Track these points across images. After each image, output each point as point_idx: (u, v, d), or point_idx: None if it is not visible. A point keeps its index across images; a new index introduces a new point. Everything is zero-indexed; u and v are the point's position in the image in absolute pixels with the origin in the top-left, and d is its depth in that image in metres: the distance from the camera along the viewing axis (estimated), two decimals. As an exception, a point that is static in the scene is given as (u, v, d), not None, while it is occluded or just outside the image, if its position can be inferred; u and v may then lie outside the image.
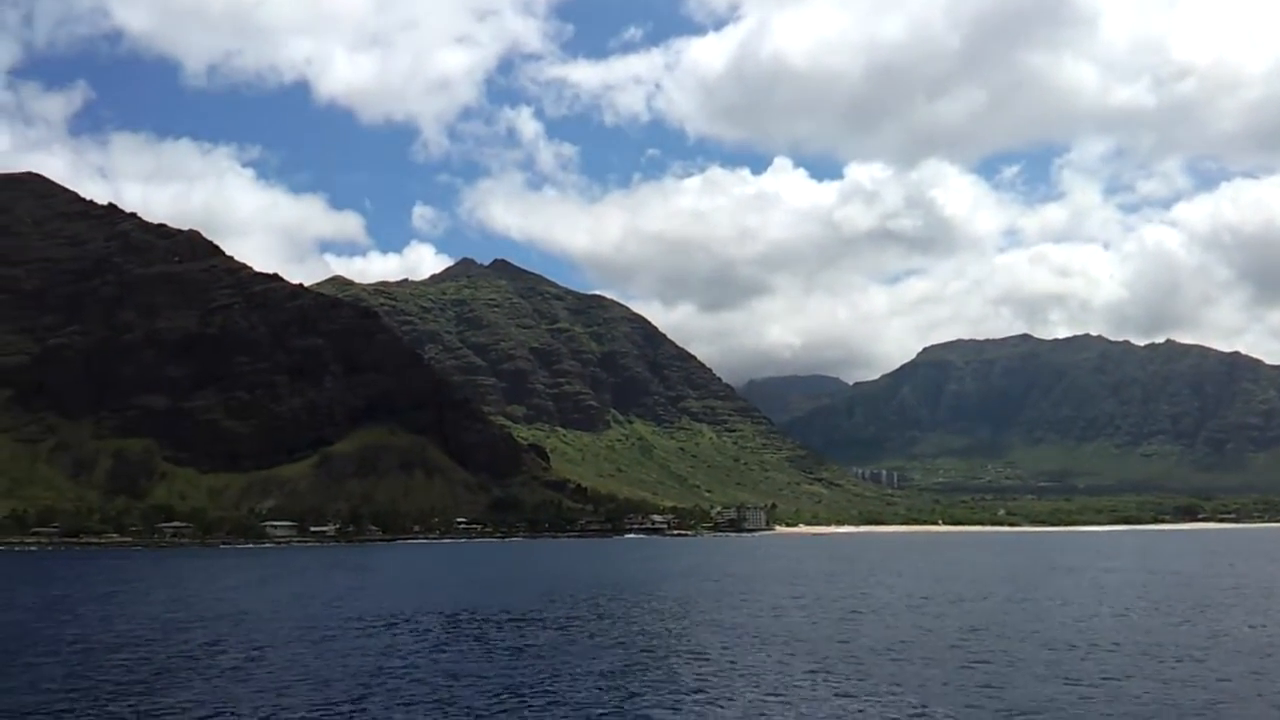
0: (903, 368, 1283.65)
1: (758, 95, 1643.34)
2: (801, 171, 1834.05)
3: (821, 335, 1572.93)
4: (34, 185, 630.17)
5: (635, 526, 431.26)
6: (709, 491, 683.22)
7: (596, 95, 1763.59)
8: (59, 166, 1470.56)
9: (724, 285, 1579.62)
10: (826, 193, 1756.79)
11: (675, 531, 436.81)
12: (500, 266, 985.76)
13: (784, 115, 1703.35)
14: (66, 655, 61.21)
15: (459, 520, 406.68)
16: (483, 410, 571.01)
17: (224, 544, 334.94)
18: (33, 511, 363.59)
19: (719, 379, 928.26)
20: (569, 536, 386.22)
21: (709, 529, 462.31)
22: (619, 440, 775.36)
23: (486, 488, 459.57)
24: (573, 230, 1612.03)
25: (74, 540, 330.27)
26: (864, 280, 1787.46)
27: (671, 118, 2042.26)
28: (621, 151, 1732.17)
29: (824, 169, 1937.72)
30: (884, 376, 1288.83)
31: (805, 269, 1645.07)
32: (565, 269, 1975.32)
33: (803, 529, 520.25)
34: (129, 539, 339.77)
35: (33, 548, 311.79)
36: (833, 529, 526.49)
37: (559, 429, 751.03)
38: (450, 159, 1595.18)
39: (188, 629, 75.46)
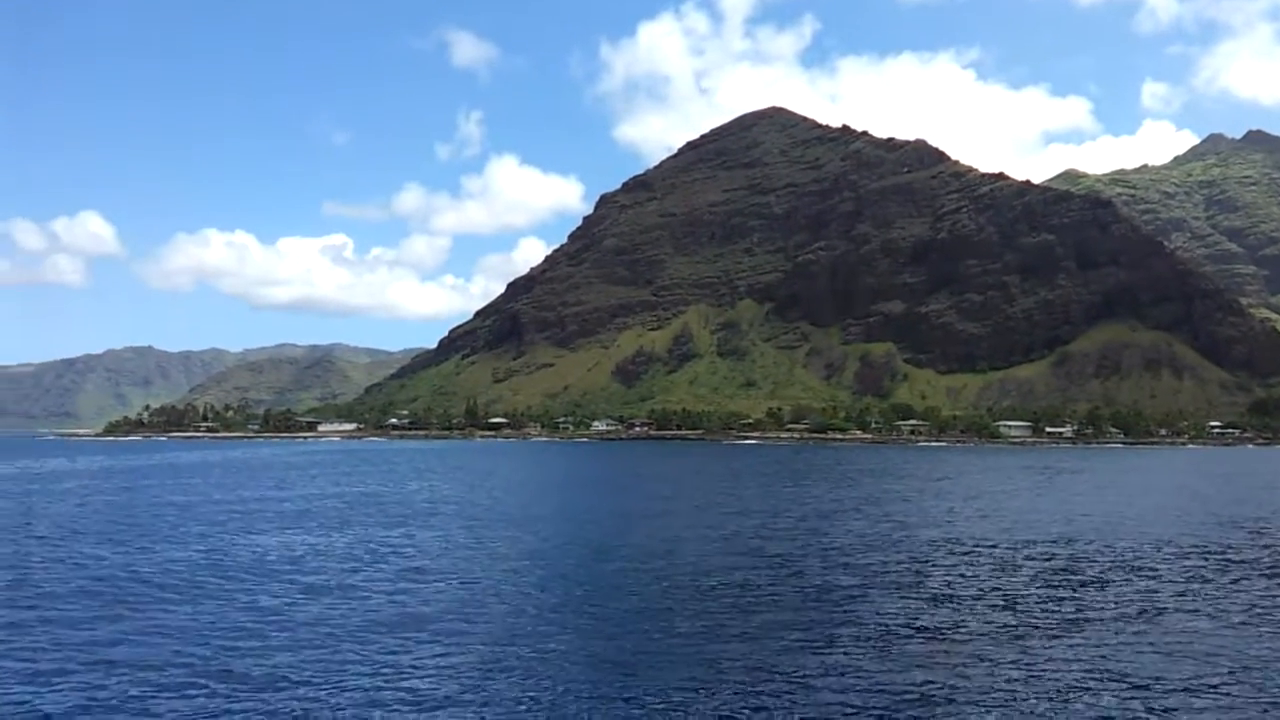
0: None
1: None
2: None
3: None
4: (777, 118, 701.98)
5: None
6: None
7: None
8: (795, 98, 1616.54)
9: None
10: None
11: None
12: (1255, 138, 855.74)
13: None
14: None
15: (1212, 424, 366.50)
16: (1240, 302, 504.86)
17: (958, 442, 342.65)
18: (787, 410, 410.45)
19: None
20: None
21: None
22: None
23: (1247, 388, 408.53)
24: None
25: (821, 436, 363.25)
26: None
27: None
28: None
29: None
30: None
31: None
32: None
33: None
34: (869, 436, 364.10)
35: (784, 442, 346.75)
36: None
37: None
38: (1181, 25, 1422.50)
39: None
